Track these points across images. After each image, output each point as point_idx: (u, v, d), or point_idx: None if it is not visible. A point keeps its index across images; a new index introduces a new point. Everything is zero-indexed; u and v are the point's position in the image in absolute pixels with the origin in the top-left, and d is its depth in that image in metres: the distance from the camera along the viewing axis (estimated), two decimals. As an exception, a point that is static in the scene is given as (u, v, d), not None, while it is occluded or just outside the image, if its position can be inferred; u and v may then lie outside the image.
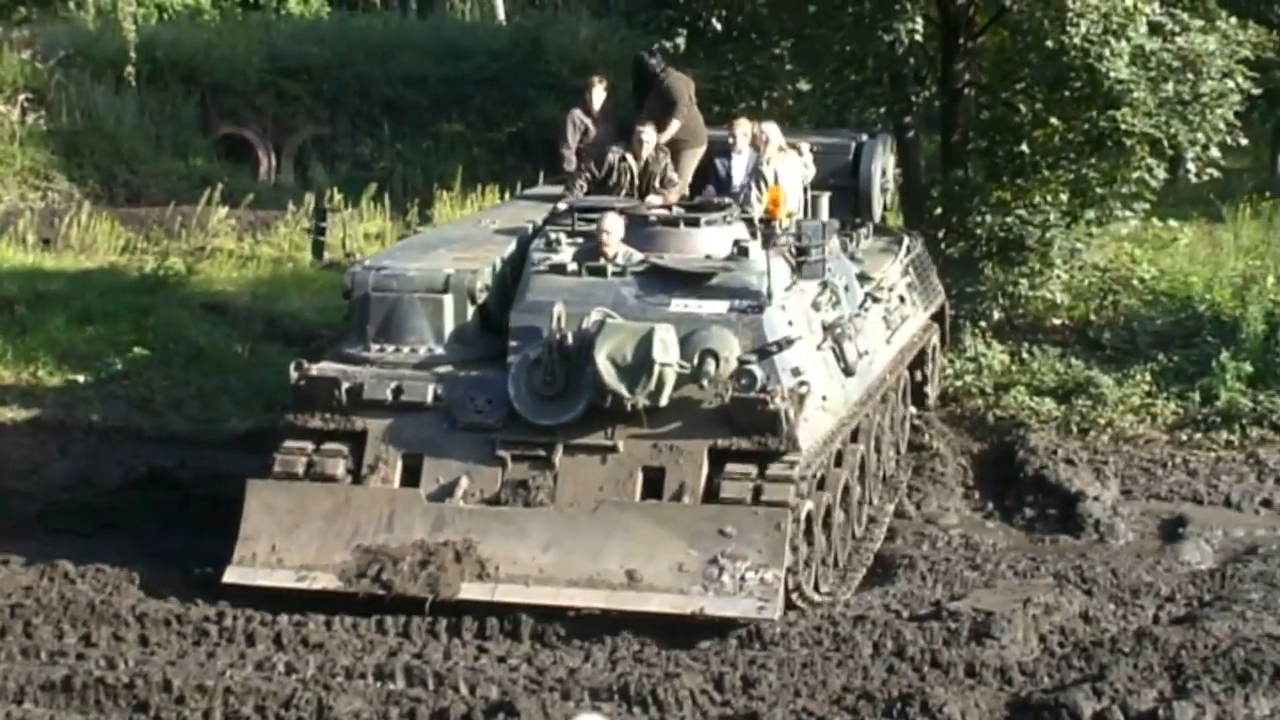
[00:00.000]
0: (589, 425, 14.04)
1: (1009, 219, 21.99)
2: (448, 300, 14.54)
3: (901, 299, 17.46)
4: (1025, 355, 21.14)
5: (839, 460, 15.10)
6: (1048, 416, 19.48)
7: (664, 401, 13.86)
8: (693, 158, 17.51)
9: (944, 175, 24.15)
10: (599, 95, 18.31)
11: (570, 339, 14.04)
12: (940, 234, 22.51)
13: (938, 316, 19.56)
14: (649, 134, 16.71)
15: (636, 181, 16.49)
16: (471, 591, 13.39)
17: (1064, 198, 21.94)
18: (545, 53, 34.80)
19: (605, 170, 16.60)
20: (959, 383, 20.43)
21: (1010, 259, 22.24)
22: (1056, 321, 22.58)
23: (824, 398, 14.56)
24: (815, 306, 15.07)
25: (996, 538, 16.79)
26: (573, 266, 14.68)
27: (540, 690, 12.44)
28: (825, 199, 16.98)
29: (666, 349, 13.78)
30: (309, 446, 14.46)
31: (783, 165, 16.55)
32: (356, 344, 14.75)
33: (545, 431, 14.01)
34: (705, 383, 14.01)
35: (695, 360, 13.92)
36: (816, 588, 14.18)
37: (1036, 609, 14.02)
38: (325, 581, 13.64)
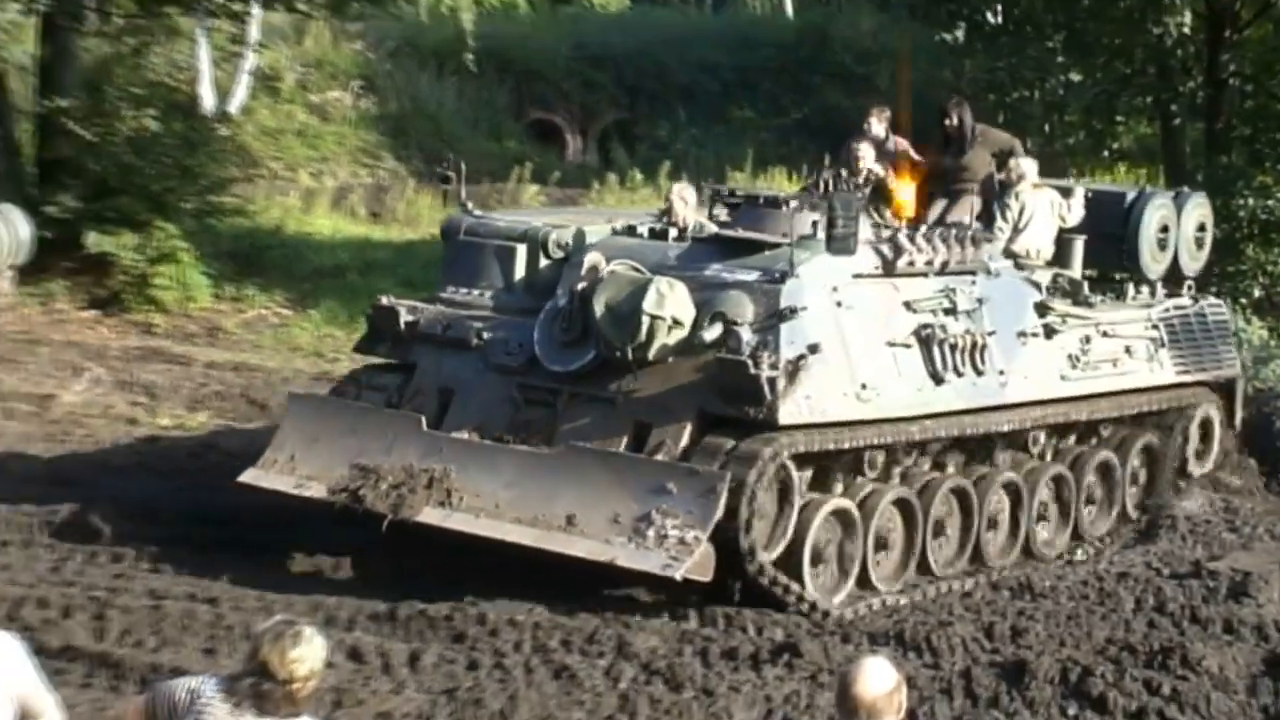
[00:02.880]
0: (599, 376, 13.23)
1: (1270, 202, 21.69)
2: (520, 250, 14.09)
3: (1128, 350, 15.55)
4: (1284, 330, 20.69)
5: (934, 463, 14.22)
6: (1304, 389, 18.96)
7: (652, 354, 12.85)
8: (967, 203, 15.89)
9: (1208, 161, 23.85)
10: (877, 127, 16.63)
11: (588, 288, 13.25)
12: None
13: (1222, 389, 16.98)
14: (866, 150, 15.86)
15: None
16: (428, 516, 12.92)
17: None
18: (831, 43, 34.84)
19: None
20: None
21: (1270, 240, 22.02)
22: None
23: (863, 386, 13.13)
24: (909, 306, 13.64)
25: (1254, 502, 16.51)
26: (642, 230, 14.23)
27: (822, 634, 12.54)
28: (1079, 242, 15.83)
29: (661, 301, 12.72)
30: (364, 373, 14.69)
31: (1033, 200, 15.63)
32: (443, 285, 14.57)
33: (557, 378, 13.36)
34: (705, 343, 12.88)
35: (706, 321, 12.86)
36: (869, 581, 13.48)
37: (1293, 570, 13.77)
38: (315, 491, 13.38)
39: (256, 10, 26.21)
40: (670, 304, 12.74)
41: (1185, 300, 16.42)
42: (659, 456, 12.78)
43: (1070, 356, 14.91)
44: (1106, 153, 28.54)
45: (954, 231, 14.28)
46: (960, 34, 27.38)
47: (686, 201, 14.22)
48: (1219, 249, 21.49)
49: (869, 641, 12.25)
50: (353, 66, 32.04)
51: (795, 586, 12.79)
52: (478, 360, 13.73)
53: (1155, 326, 15.90)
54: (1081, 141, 28.57)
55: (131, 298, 23.20)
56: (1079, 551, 15.21)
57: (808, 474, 13.18)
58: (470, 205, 14.71)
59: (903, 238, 13.75)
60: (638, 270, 13.25)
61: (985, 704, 11.33)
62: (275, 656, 6.02)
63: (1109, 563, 14.31)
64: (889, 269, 13.60)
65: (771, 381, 12.47)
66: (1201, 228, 16.83)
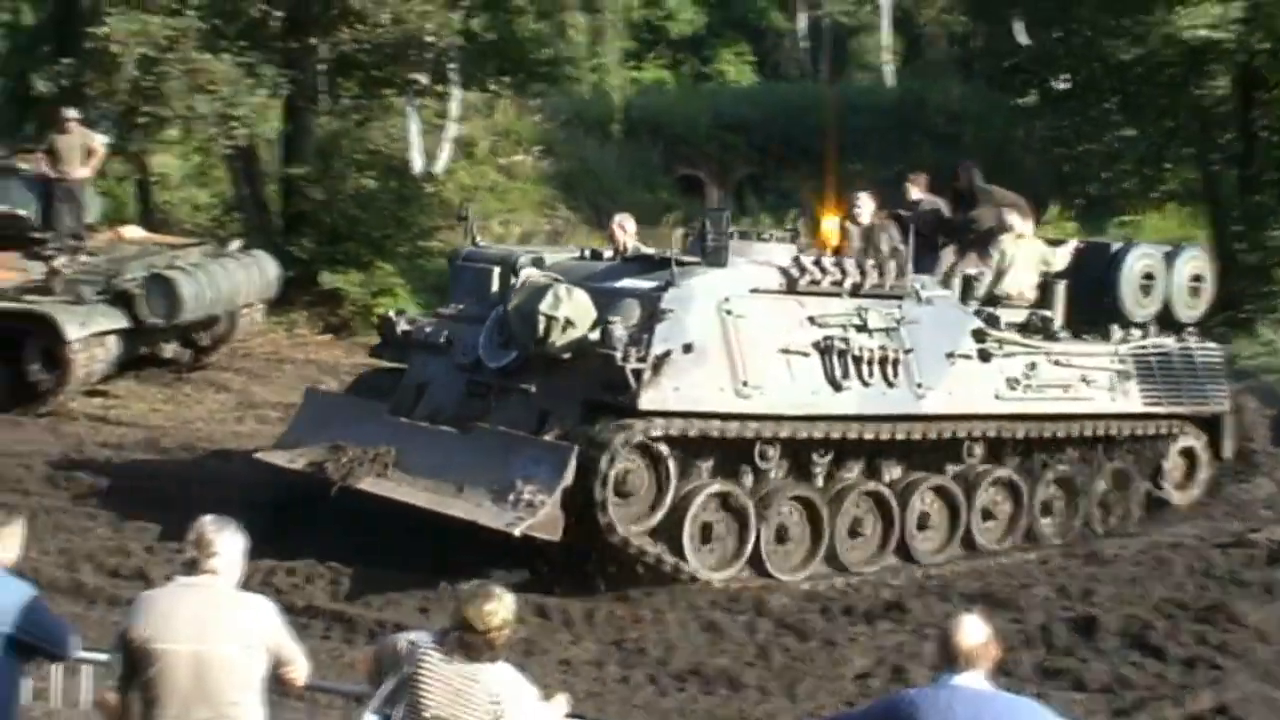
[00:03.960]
0: (520, 371, 12.91)
1: (1296, 235, 21.45)
2: (495, 271, 13.74)
3: (1086, 379, 14.31)
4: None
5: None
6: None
7: (551, 349, 12.44)
8: (974, 253, 14.93)
9: (1242, 199, 23.51)
10: (914, 192, 15.52)
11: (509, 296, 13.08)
12: (1239, 247, 22.07)
13: (1206, 425, 15.45)
14: (865, 201, 14.97)
15: (858, 244, 14.64)
16: (365, 484, 12.69)
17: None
18: (926, 107, 34.56)
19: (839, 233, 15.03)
20: (1255, 361, 19.80)
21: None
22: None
23: (745, 383, 12.43)
24: (814, 320, 12.86)
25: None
26: (586, 254, 13.93)
27: (925, 594, 12.43)
28: (1061, 286, 14.64)
29: (557, 304, 12.30)
30: (370, 374, 14.97)
31: (1014, 248, 14.61)
32: (447, 303, 14.44)
33: (492, 374, 13.10)
34: (591, 342, 12.40)
35: (603, 323, 12.35)
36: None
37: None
38: (299, 464, 13.26)
39: (457, 91, 26.46)
40: (565, 307, 12.37)
41: (1167, 340, 15.02)
42: (547, 437, 12.43)
43: (1010, 379, 13.87)
44: (1155, 194, 28.13)
45: (871, 262, 13.41)
46: (1032, 98, 27.04)
47: (625, 229, 13.77)
48: (1252, 274, 21.23)
49: (962, 600, 12.17)
50: (533, 134, 32.23)
51: (670, 559, 12.36)
52: (446, 360, 13.62)
53: (1122, 361, 14.66)
54: (1135, 186, 28.18)
55: (358, 324, 23.47)
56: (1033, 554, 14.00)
57: (707, 463, 12.70)
58: (478, 239, 14.75)
59: (806, 261, 13.08)
60: (552, 279, 12.82)
61: (1060, 653, 11.22)
62: (474, 611, 6.10)
63: (1165, 534, 14.08)
64: (791, 287, 12.90)
65: (637, 373, 12.07)
66: (1197, 278, 15.33)
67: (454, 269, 14.69)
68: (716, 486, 12.67)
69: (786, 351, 12.75)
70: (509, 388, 12.99)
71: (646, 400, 12.12)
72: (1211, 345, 15.59)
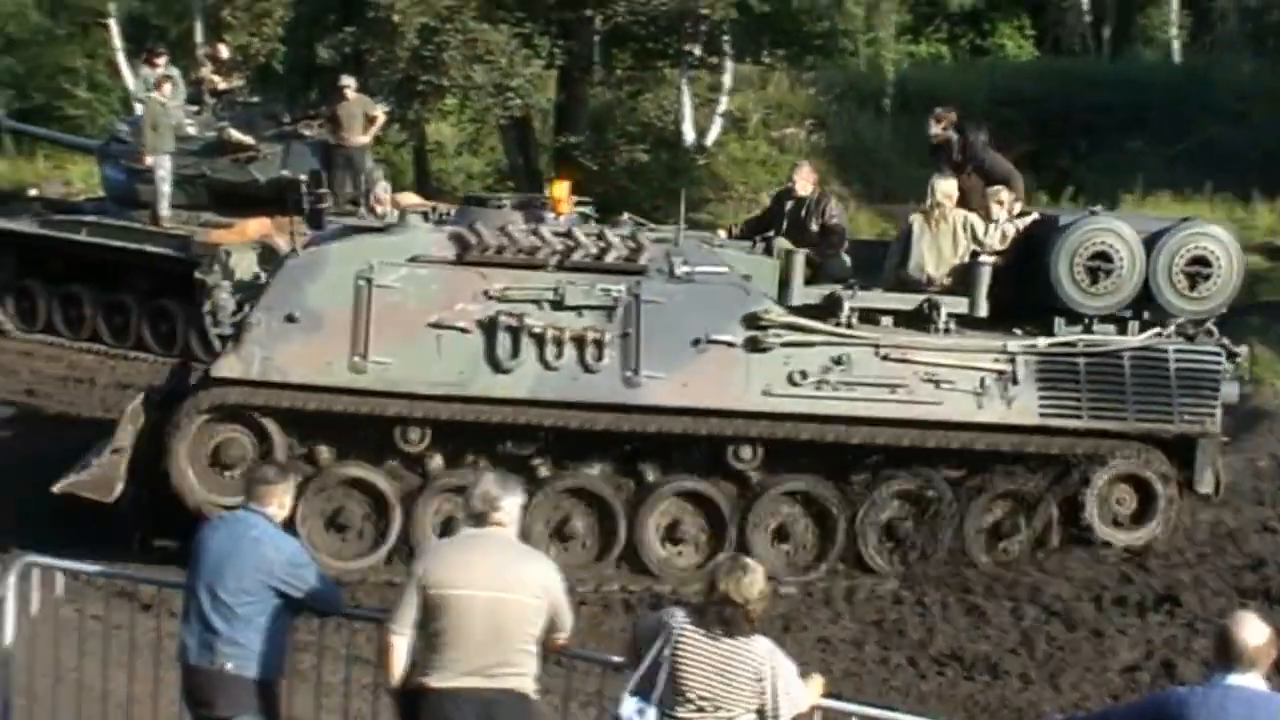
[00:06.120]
0: None
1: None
2: None
3: (932, 380, 11.98)
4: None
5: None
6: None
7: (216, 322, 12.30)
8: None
9: None
10: (935, 128, 13.81)
11: None
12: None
13: (1168, 447, 12.33)
14: (804, 172, 13.42)
15: (796, 217, 13.14)
16: None
17: None
18: (1213, 85, 33.46)
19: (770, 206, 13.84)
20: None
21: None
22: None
23: (362, 357, 11.68)
24: (489, 295, 11.77)
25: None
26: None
27: (1200, 586, 12.00)
28: (985, 268, 12.37)
29: (216, 273, 12.55)
30: None
31: (929, 225, 12.64)
32: None
33: None
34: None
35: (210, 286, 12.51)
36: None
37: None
38: None
39: (729, 63, 26.48)
40: (217, 274, 12.69)
41: (1107, 338, 12.28)
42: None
43: (796, 374, 11.88)
44: None
45: (588, 232, 12.05)
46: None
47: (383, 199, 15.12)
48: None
49: (1240, 596, 11.76)
50: (806, 107, 32.09)
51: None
52: None
53: (1010, 361, 12.07)
54: None
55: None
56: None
57: (333, 443, 12.06)
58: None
59: (482, 228, 11.88)
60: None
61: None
62: (731, 585, 6.15)
63: (1218, 523, 13.10)
64: (462, 258, 11.80)
65: (222, 339, 11.97)
66: (1200, 262, 12.36)
67: None
68: (352, 471, 12.10)
69: (439, 326, 11.78)
70: None
71: (224, 367, 11.85)
72: (1204, 348, 12.38)
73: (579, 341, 11.77)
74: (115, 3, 29.65)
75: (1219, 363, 12.36)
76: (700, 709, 6.12)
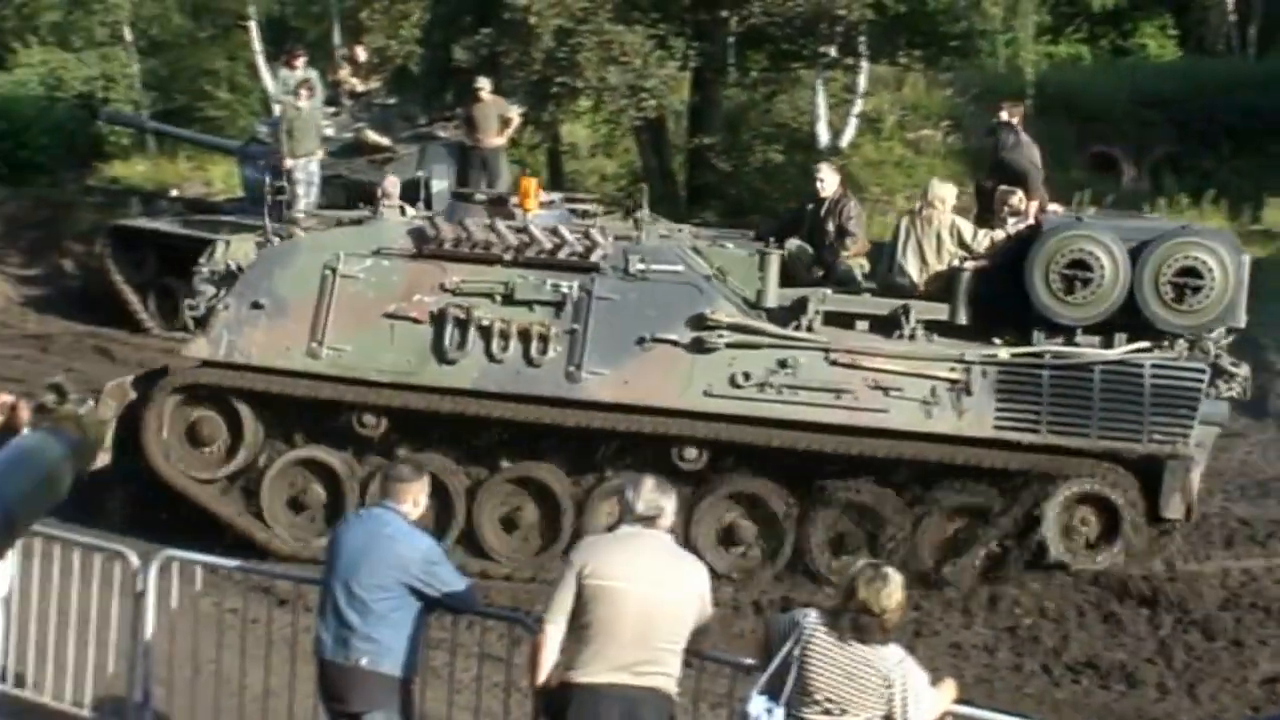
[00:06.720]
0: None
1: None
2: None
3: (880, 387, 11.76)
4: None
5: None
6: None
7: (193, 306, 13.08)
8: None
9: None
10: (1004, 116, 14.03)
11: None
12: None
13: (1136, 466, 11.75)
14: (827, 174, 13.44)
15: (816, 218, 13.24)
16: None
17: None
18: (1366, 85, 32.82)
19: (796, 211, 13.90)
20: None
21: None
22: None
23: (319, 344, 12.25)
24: (444, 287, 12.20)
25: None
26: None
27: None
28: (965, 274, 12.08)
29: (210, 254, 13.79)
30: None
31: (914, 226, 12.32)
32: None
33: None
34: None
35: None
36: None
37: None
38: None
39: (865, 64, 26.35)
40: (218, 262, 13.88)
41: (1079, 350, 11.72)
42: None
43: (739, 375, 11.81)
44: None
45: (546, 228, 12.24)
46: None
47: (389, 193, 15.34)
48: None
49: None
50: (942, 109, 31.82)
51: (242, 518, 12.52)
52: None
53: (965, 370, 11.67)
54: None
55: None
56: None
57: (293, 426, 12.62)
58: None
59: (441, 223, 12.42)
60: None
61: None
62: (870, 594, 6.13)
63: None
64: (421, 251, 12.30)
65: (197, 321, 12.62)
66: (1190, 273, 11.68)
67: None
68: (304, 453, 12.63)
69: (394, 316, 12.28)
70: None
71: (193, 349, 12.66)
72: (1185, 364, 11.71)
73: (524, 335, 12.09)
74: (255, 5, 30.08)
75: (1200, 381, 11.68)
76: (827, 711, 6.12)
